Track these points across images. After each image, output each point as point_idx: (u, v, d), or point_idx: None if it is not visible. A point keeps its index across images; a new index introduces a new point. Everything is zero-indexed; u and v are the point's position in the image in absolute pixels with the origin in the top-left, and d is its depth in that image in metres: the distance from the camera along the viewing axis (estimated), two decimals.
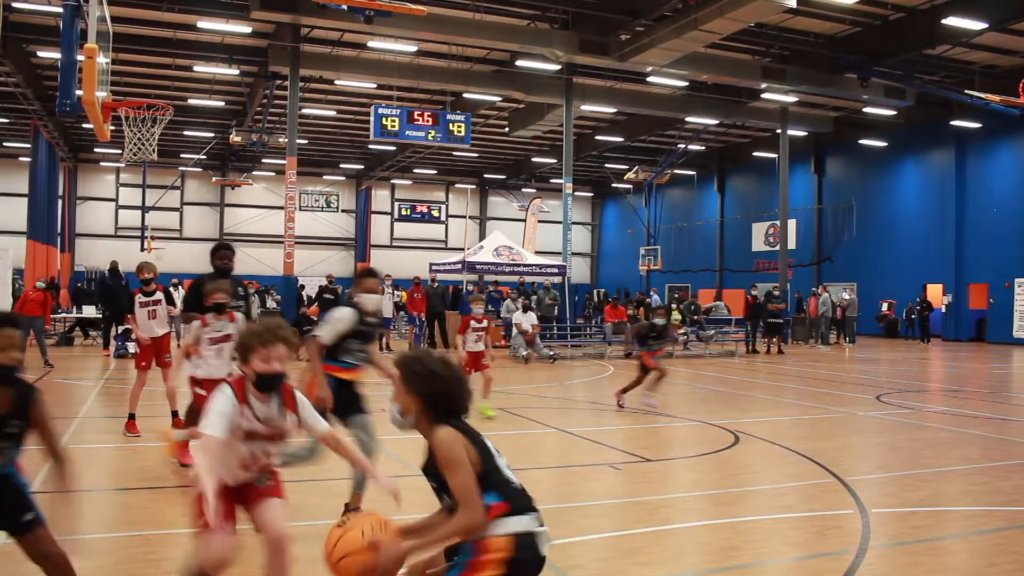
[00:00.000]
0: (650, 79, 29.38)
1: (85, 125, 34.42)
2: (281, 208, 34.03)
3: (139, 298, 10.24)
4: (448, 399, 3.28)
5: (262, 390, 3.90)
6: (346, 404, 6.23)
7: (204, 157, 44.27)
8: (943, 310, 34.19)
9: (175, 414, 9.97)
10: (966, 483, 8.23)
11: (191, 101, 33.75)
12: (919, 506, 7.24)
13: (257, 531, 4.00)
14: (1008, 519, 6.90)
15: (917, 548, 6.02)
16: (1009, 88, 25.93)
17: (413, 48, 26.92)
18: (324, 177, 50.92)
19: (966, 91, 27.56)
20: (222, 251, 8.29)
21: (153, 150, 10.73)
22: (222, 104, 35.16)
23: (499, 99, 33.06)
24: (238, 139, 34.78)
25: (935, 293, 34.71)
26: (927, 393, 16.52)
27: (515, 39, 25.58)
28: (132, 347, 19.95)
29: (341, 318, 6.36)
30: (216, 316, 7.56)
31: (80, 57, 9.23)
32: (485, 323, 12.23)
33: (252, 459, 3.95)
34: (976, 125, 32.19)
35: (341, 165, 49.64)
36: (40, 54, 28.10)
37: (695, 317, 26.92)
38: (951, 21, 23.23)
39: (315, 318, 21.17)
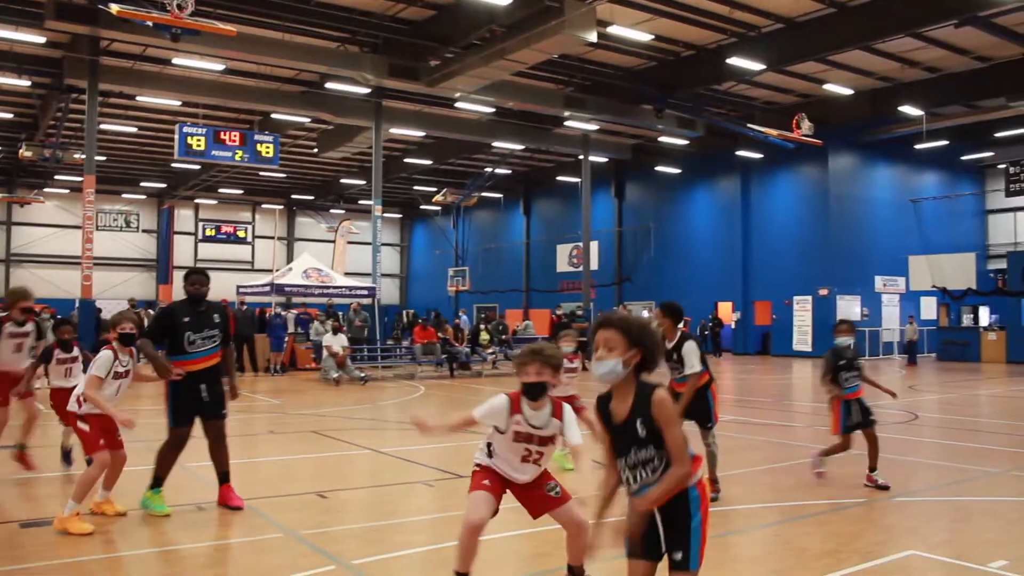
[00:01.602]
0: (458, 104, 30.05)
1: None
2: (76, 227, 32.45)
3: (8, 328, 9.05)
4: (655, 356, 3.74)
5: (529, 397, 4.82)
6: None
7: None
8: (732, 326, 36.57)
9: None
10: (750, 484, 9.05)
11: None
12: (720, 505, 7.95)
13: (564, 525, 5.09)
14: (784, 513, 7.77)
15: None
16: (785, 123, 28.20)
17: (221, 66, 26.43)
18: (123, 195, 48.70)
19: (748, 125, 29.71)
20: (194, 276, 7.79)
21: None
22: (10, 116, 33.17)
23: (308, 120, 32.87)
24: (29, 154, 32.77)
25: (726, 310, 37.07)
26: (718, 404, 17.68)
27: (325, 61, 25.56)
28: None
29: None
30: (123, 349, 7.34)
31: None
32: (577, 363, 10.43)
33: (527, 455, 4.96)
34: (759, 156, 34.73)
35: (142, 183, 47.68)
36: None
37: (503, 337, 27.62)
38: (734, 61, 25.06)
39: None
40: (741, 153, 34.98)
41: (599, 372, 3.69)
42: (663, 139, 35.53)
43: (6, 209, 46.65)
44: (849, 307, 33.11)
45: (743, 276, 36.42)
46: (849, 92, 29.61)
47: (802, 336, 34.12)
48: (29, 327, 9.21)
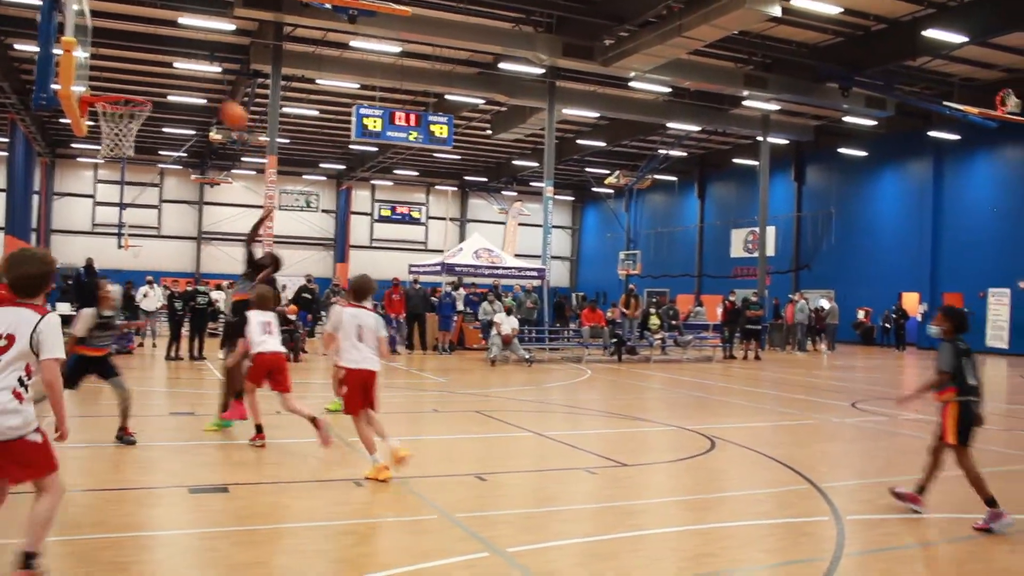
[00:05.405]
0: (633, 84, 29.44)
1: (62, 120, 34.14)
2: (260, 207, 33.86)
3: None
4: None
5: None
6: None
7: (184, 154, 43.97)
8: (919, 318, 34.45)
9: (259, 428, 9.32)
10: (939, 490, 8.24)
11: (171, 98, 33.53)
12: (893, 513, 7.27)
13: None
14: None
15: (890, 555, 6.04)
16: (987, 101, 26.15)
17: (396, 49, 26.86)
18: (304, 176, 50.73)
19: (945, 103, 27.78)
20: None
21: (130, 146, 10.60)
22: (203, 101, 34.94)
23: (482, 101, 33.06)
24: (218, 137, 34.50)
25: (911, 301, 34.96)
26: None
27: (499, 41, 25.56)
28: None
29: None
30: None
31: (57, 51, 9.07)
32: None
33: None
34: (954, 137, 32.49)
35: (321, 165, 49.46)
36: (17, 47, 27.79)
37: (673, 322, 26.96)
38: (932, 34, 23.39)
39: (293, 316, 21.05)
40: (934, 134, 32.81)
41: None
42: (848, 119, 33.81)
43: (198, 190, 49.42)
44: None
45: (932, 266, 34.18)
46: None
47: (997, 332, 31.69)
48: None
